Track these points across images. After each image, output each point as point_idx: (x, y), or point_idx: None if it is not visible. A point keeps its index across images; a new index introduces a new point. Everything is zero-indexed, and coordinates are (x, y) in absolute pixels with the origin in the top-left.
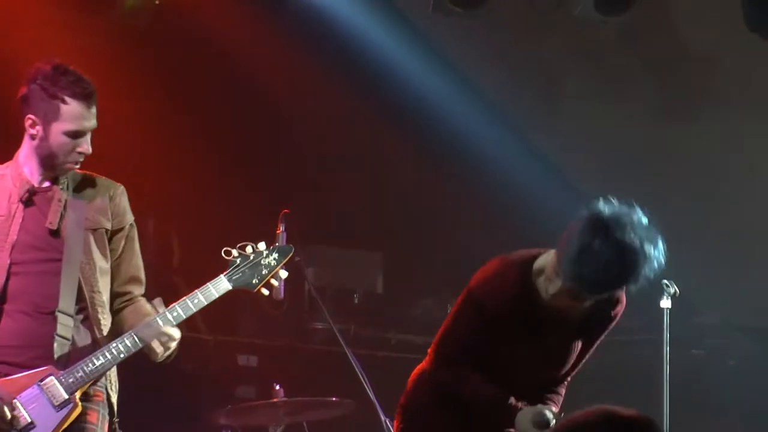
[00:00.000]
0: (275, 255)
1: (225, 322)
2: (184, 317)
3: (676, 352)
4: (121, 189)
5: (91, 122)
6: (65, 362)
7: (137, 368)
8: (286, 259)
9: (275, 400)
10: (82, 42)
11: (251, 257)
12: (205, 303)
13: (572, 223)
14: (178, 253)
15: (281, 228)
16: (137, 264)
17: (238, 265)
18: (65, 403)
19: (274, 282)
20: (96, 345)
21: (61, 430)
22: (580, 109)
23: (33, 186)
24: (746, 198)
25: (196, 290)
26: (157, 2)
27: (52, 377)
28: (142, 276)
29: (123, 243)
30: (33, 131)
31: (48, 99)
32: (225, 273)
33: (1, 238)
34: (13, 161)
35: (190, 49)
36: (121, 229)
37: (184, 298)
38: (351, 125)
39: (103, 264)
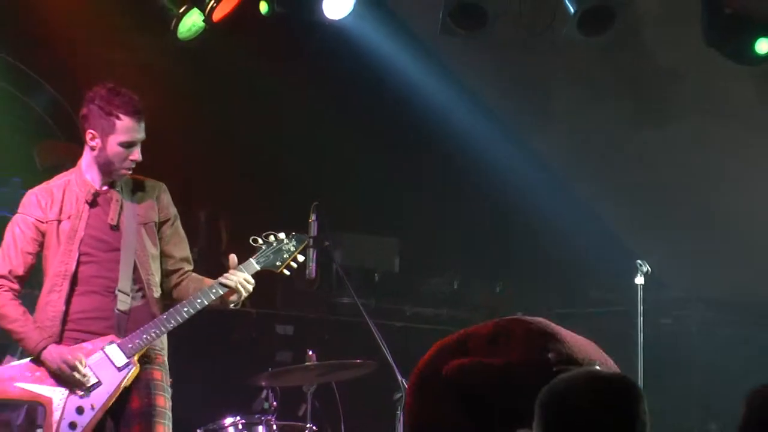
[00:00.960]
0: (294, 242)
1: (266, 297)
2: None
3: (648, 321)
4: (163, 187)
5: (141, 134)
6: (124, 331)
7: (191, 337)
8: (302, 246)
9: (308, 363)
10: (142, 59)
11: (274, 244)
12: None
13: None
14: (226, 239)
15: (313, 217)
16: (185, 246)
17: (264, 251)
18: (126, 365)
19: (293, 264)
20: (151, 317)
21: (122, 387)
22: (567, 116)
23: (96, 189)
24: (707, 190)
25: (239, 265)
26: (207, 26)
27: (114, 344)
28: (190, 255)
29: (170, 230)
30: (93, 143)
31: (105, 116)
32: (253, 257)
33: (71, 234)
34: (77, 169)
35: (231, 64)
36: (168, 220)
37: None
38: (371, 130)
39: (153, 251)
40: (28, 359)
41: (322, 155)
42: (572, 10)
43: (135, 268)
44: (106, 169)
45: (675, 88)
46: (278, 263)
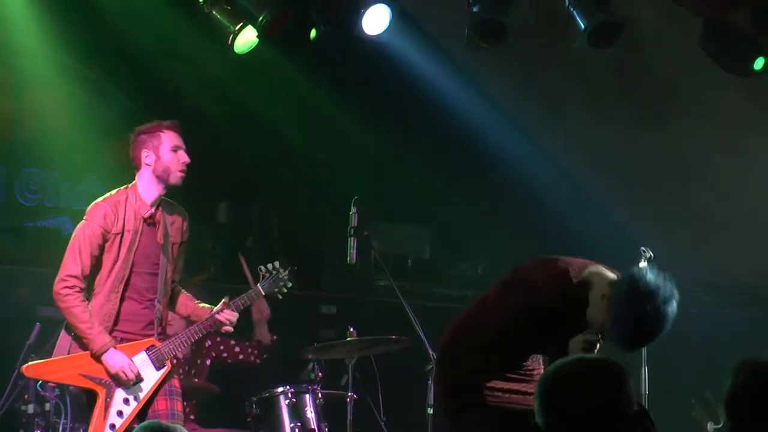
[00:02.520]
0: (285, 273)
1: (312, 281)
2: (247, 305)
3: None
4: (186, 213)
5: (182, 144)
6: (158, 335)
7: (245, 317)
8: (291, 276)
9: (350, 339)
10: (204, 71)
11: (273, 273)
12: (255, 300)
13: (619, 288)
14: (277, 229)
15: (353, 209)
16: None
17: (267, 278)
18: (163, 365)
19: (284, 290)
20: (169, 325)
21: (159, 383)
22: (577, 119)
23: (150, 210)
24: (704, 184)
25: (249, 291)
26: (260, 41)
27: (155, 347)
28: None
29: (181, 249)
30: (149, 160)
31: (152, 135)
32: (259, 283)
33: (130, 246)
34: (132, 188)
35: (282, 75)
36: (185, 242)
37: (242, 296)
38: (405, 132)
39: (173, 266)
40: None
41: (361, 155)
42: (582, 25)
43: (164, 284)
44: (165, 176)
45: (674, 95)
46: (275, 289)
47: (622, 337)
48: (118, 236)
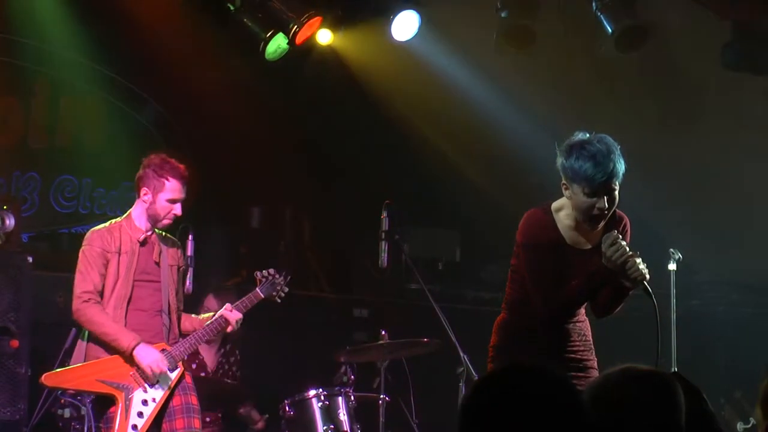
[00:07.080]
0: (281, 278)
1: (344, 284)
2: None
3: (679, 302)
4: (178, 242)
5: (183, 195)
6: (168, 341)
7: (280, 321)
8: (287, 280)
9: (381, 342)
10: (234, 78)
11: (269, 278)
12: (255, 303)
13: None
14: (309, 234)
15: (384, 214)
16: (182, 289)
17: (264, 283)
18: (175, 367)
19: (282, 294)
20: (180, 333)
21: (174, 384)
22: (604, 121)
23: (145, 234)
24: (731, 187)
25: (249, 294)
26: (290, 48)
27: (166, 351)
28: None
29: (179, 276)
30: (146, 198)
31: (157, 177)
32: (258, 287)
33: (129, 266)
34: (127, 218)
35: (314, 79)
36: (182, 267)
37: (243, 298)
38: (435, 137)
39: (177, 286)
40: (105, 358)
41: (392, 160)
42: (610, 29)
43: (169, 297)
44: (154, 219)
45: (701, 99)
46: (273, 293)
47: (583, 173)
48: (116, 256)
